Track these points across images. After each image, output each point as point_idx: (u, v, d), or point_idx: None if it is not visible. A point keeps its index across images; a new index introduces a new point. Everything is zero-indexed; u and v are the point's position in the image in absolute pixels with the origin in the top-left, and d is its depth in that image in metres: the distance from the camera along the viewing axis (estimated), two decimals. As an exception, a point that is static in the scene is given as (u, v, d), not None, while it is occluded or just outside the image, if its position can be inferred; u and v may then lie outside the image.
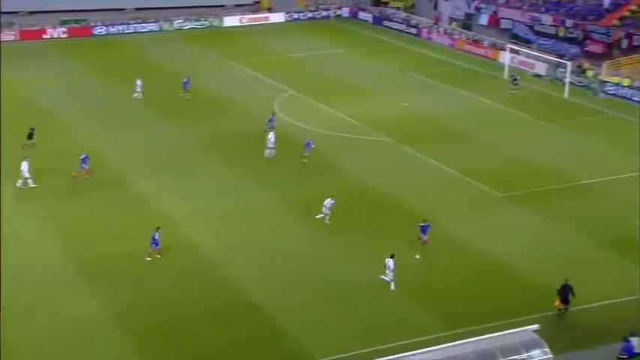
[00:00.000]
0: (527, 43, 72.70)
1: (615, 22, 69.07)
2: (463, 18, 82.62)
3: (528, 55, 67.41)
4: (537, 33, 73.51)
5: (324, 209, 37.99)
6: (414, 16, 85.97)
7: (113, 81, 62.70)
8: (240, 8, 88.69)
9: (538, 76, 65.31)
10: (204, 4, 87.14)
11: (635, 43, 65.41)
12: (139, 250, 34.96)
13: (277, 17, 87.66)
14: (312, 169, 45.14)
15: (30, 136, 46.87)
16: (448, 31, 79.28)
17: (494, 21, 78.94)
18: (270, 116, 50.88)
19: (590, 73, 63.34)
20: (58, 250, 35.60)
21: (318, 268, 34.34)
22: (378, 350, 27.10)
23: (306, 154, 45.98)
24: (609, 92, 60.41)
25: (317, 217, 38.16)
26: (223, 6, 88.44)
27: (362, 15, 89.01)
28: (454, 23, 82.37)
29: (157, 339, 29.42)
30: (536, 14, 74.73)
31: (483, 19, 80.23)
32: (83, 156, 43.15)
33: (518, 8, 77.21)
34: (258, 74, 65.72)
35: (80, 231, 37.51)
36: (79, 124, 52.78)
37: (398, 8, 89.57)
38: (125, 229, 37.57)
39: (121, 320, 30.31)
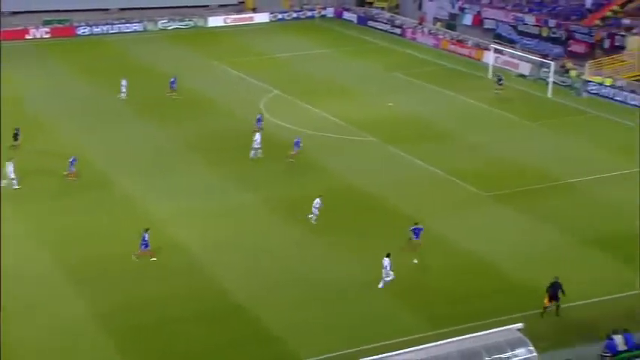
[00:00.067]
0: (510, 43, 73.08)
1: (597, 22, 69.55)
2: (447, 18, 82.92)
3: (512, 55, 67.74)
4: (521, 33, 73.95)
5: (313, 209, 38.02)
6: (398, 17, 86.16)
7: (98, 81, 62.47)
8: (224, 8, 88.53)
9: (522, 76, 65.64)
10: (189, 5, 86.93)
11: (616, 43, 65.90)
12: (123, 250, 34.86)
13: (262, 17, 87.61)
14: (297, 170, 45.16)
15: (15, 137, 46.67)
16: (432, 31, 79.52)
17: (478, 21, 79.31)
18: (259, 116, 50.89)
19: (573, 72, 63.73)
20: (43, 251, 35.44)
21: (303, 269, 34.37)
22: (363, 350, 27.12)
23: (294, 152, 46.04)
24: (592, 92, 60.82)
25: (308, 216, 38.12)
26: (207, 6, 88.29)
27: (346, 15, 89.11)
28: (438, 23, 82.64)
29: (142, 339, 29.36)
30: (520, 14, 75.16)
31: (467, 19, 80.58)
32: (72, 159, 43.02)
33: (502, 8, 77.62)
34: (242, 74, 65.68)
35: (65, 232, 37.37)
36: (64, 125, 52.56)
37: (382, 8, 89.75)
38: (110, 229, 37.45)
39: (105, 320, 30.23)
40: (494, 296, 32.32)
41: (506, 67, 66.68)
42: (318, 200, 38.04)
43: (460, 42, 75.08)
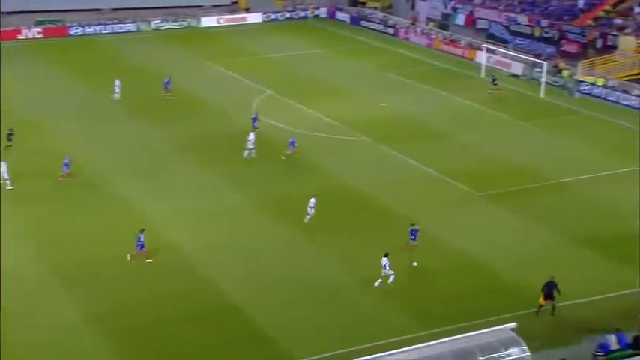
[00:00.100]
0: (503, 43, 73.23)
1: (590, 22, 69.76)
2: (440, 18, 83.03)
3: (505, 55, 67.88)
4: (513, 33, 74.11)
5: (308, 209, 38.03)
6: (391, 17, 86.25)
7: (91, 82, 62.37)
8: (217, 9, 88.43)
9: (515, 75, 65.79)
10: (182, 5, 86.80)
11: (609, 43, 66.10)
12: (117, 251, 34.83)
13: (255, 18, 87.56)
14: (290, 170, 45.20)
15: (9, 138, 46.60)
16: (425, 31, 79.61)
17: (471, 21, 79.45)
18: (254, 116, 50.90)
19: (565, 72, 63.90)
20: (36, 252, 35.39)
21: (295, 269, 34.42)
22: (355, 350, 27.18)
23: (289, 152, 46.09)
24: (584, 92, 60.99)
25: (306, 217, 38.16)
26: (201, 6, 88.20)
27: (339, 15, 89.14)
28: (431, 23, 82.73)
29: (138, 340, 29.37)
30: (512, 14, 75.32)
31: (460, 19, 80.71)
32: (66, 160, 42.96)
33: (495, 8, 77.76)
34: (235, 75, 65.66)
35: (59, 233, 37.34)
36: (57, 125, 52.45)
37: (375, 8, 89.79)
38: (103, 230, 37.42)
39: (101, 322, 30.21)
40: (487, 296, 32.42)
41: (499, 67, 66.81)
42: (313, 200, 38.09)
43: (453, 42, 75.20)
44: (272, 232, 37.83)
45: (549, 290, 30.65)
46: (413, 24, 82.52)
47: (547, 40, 70.93)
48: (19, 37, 77.45)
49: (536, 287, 31.33)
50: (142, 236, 34.28)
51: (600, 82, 60.81)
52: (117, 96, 57.98)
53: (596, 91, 60.46)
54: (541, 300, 30.74)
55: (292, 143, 46.46)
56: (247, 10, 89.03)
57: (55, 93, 60.05)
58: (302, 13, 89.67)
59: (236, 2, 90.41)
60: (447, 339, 25.77)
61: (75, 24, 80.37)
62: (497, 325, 26.77)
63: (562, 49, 69.46)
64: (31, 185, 42.14)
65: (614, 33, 66.35)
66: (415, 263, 34.40)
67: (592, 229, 38.29)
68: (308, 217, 38.02)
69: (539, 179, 44.07)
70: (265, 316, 30.71)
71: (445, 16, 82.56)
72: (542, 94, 60.65)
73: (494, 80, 61.03)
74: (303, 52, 74.68)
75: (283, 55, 72.83)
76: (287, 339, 29.37)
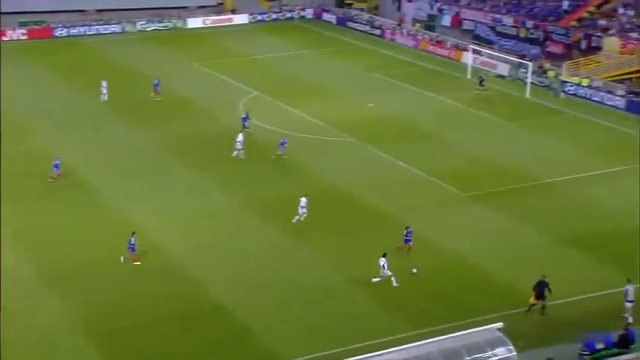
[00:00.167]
0: (489, 43, 73.57)
1: (574, 23, 70.19)
2: (426, 19, 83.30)
3: (490, 56, 68.21)
4: (499, 34, 74.49)
5: (299, 209, 38.12)
6: (377, 18, 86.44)
7: (77, 83, 62.27)
8: (203, 10, 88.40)
9: (500, 76, 66.13)
10: (167, 6, 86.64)
11: (593, 44, 66.51)
12: (105, 253, 34.87)
13: (241, 19, 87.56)
14: (278, 171, 45.30)
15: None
16: (411, 32, 79.83)
17: (457, 22, 79.76)
18: (244, 116, 50.94)
19: (551, 73, 64.29)
20: (23, 254, 35.31)
21: (284, 269, 34.51)
22: (345, 351, 27.35)
23: (280, 152, 46.22)
24: (569, 92, 61.39)
25: (301, 218, 38.21)
26: (186, 7, 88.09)
27: (326, 16, 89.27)
28: (417, 24, 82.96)
29: (127, 341, 29.36)
30: (498, 15, 75.70)
31: (446, 20, 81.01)
32: (56, 161, 42.85)
33: (480, 9, 78.12)
34: (222, 76, 65.66)
35: (46, 234, 37.27)
36: (43, 127, 52.39)
37: (362, 9, 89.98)
38: (91, 232, 37.39)
39: (87, 323, 30.21)
40: (474, 296, 32.58)
41: (485, 68, 67.06)
42: (304, 199, 38.18)
43: (439, 43, 75.47)
44: (261, 233, 37.91)
45: (541, 290, 30.81)
46: (399, 25, 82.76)
47: (532, 41, 71.33)
48: (3, 38, 76.98)
49: (523, 287, 31.58)
50: (132, 239, 34.30)
51: (585, 82, 61.21)
52: (104, 97, 57.86)
53: (581, 91, 60.87)
54: (532, 300, 30.91)
55: (283, 144, 46.59)
56: (233, 12, 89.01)
57: (42, 95, 59.90)
58: (288, 15, 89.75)
59: (222, 3, 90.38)
60: (435, 339, 25.97)
61: (59, 25, 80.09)
62: (484, 325, 26.99)
63: (547, 49, 69.88)
64: (18, 187, 41.90)
65: (599, 34, 66.80)
66: (415, 270, 34.27)
67: (578, 228, 38.56)
68: (298, 217, 38.11)
69: (525, 179, 44.35)
70: (255, 317, 30.79)
71: (431, 17, 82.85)
72: (527, 94, 61.02)
73: (481, 81, 61.28)
74: (289, 53, 74.75)
75: (270, 56, 72.88)
76: (276, 339, 29.44)
